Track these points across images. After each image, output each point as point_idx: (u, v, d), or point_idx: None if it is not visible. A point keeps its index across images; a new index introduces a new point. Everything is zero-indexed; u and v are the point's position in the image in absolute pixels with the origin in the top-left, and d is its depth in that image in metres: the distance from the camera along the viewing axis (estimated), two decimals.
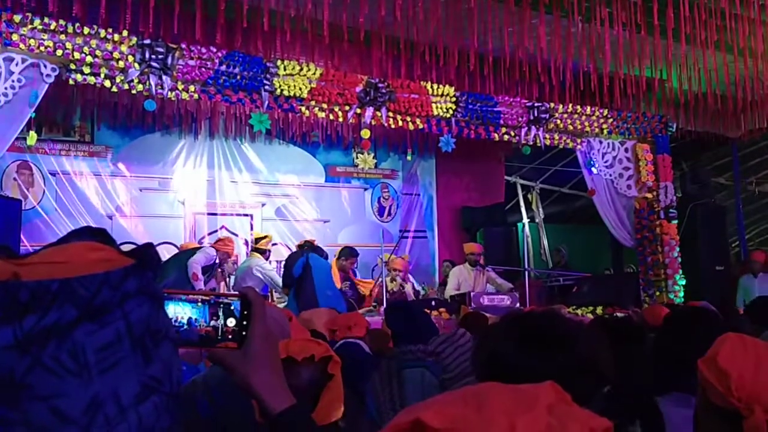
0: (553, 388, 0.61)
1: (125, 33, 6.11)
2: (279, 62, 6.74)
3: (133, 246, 0.60)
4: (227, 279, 8.39)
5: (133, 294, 0.54)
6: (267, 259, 7.91)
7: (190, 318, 0.96)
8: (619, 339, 1.93)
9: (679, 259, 8.58)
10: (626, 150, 8.82)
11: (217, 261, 7.37)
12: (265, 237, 8.09)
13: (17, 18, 5.72)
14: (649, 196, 8.74)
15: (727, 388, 1.25)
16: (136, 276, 0.55)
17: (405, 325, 3.30)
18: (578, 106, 8.35)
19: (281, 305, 6.69)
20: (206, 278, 7.20)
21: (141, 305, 0.55)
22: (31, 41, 5.75)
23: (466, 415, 0.57)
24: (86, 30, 5.95)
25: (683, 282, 8.56)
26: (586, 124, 8.44)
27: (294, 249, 8.14)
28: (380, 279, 7.83)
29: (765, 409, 1.21)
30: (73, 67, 5.98)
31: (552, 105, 8.17)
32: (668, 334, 1.99)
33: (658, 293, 8.55)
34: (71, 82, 6.05)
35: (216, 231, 9.47)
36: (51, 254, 0.57)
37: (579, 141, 8.55)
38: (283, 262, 7.47)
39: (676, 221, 8.74)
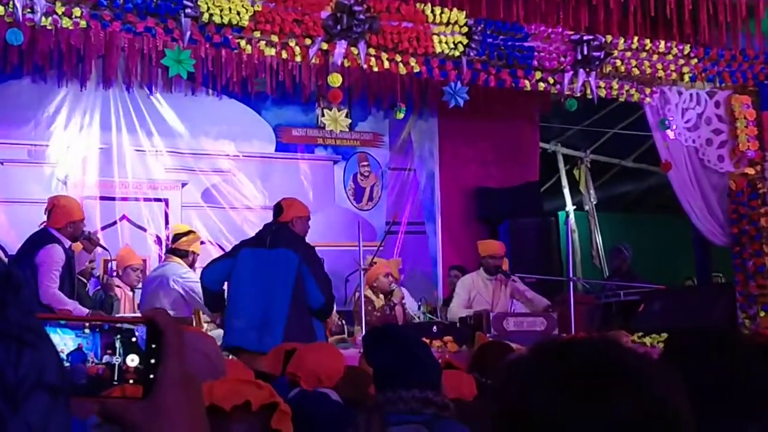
0: None
1: None
2: None
3: None
4: (132, 292, 8.34)
5: None
6: (191, 265, 7.87)
7: (72, 352, 0.96)
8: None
9: None
10: (717, 104, 8.87)
11: (70, 249, 6.94)
12: (189, 233, 8.05)
13: None
14: (751, 171, 8.80)
15: None
16: None
17: (393, 361, 3.31)
18: (647, 40, 8.38)
19: (213, 332, 6.68)
20: (71, 282, 6.85)
21: None
22: None
23: None
24: None
25: None
26: (659, 66, 8.47)
27: (228, 249, 8.09)
28: None
29: None
30: None
31: (609, 38, 8.18)
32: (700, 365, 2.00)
33: (763, 313, 8.62)
34: None
35: (114, 224, 9.41)
36: None
37: (648, 91, 8.58)
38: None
39: None
